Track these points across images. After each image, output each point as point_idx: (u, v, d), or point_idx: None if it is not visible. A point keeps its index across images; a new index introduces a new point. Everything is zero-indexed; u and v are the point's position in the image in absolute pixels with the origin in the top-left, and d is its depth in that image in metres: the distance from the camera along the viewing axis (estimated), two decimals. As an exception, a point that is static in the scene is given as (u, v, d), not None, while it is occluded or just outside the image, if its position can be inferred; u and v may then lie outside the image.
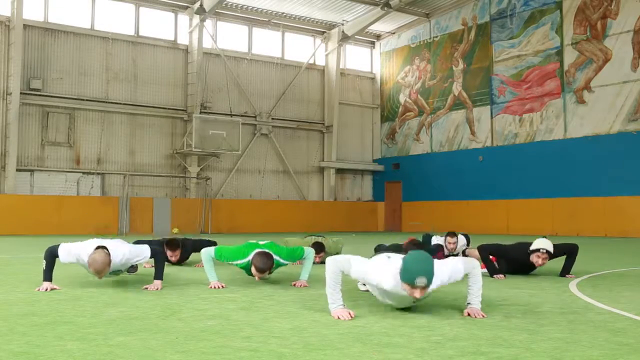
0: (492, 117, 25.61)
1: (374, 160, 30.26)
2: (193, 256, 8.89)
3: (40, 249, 12.01)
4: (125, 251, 5.78)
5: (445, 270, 4.39)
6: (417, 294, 4.13)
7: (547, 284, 6.49)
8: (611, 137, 21.80)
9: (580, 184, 22.27)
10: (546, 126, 23.75)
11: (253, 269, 5.86)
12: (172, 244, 8.10)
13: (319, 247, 8.60)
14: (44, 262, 5.76)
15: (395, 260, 4.40)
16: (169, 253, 8.17)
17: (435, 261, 4.33)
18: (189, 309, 4.65)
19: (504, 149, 25.10)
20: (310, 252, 6.32)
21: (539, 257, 6.89)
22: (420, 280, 4.07)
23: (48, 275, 5.74)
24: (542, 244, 6.90)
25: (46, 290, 5.62)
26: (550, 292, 5.77)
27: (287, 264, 6.28)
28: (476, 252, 7.88)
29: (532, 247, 6.94)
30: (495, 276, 7.01)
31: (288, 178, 27.69)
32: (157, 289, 5.75)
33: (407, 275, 4.11)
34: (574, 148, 22.68)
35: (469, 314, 4.38)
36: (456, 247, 8.85)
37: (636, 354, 3.24)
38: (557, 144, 23.29)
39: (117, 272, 6.08)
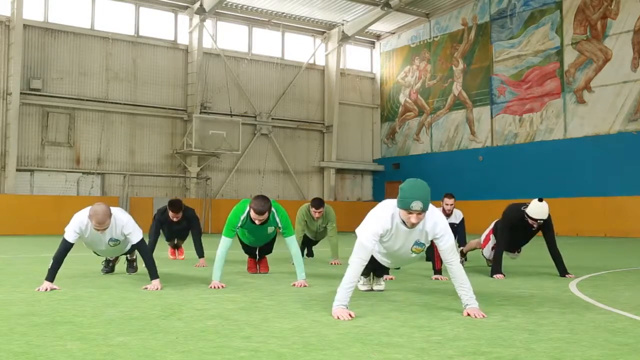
0: (492, 117, 25.61)
1: (374, 160, 30.26)
2: (192, 255, 8.90)
3: (40, 249, 12.02)
4: (123, 218, 5.98)
5: (445, 225, 4.55)
6: (414, 219, 4.35)
7: (547, 284, 6.49)
8: (611, 137, 21.80)
9: (580, 184, 22.27)
10: (546, 126, 23.76)
11: (252, 213, 6.24)
12: (175, 205, 8.22)
13: (319, 202, 8.82)
14: (51, 261, 5.79)
15: (389, 202, 4.67)
16: (171, 214, 8.24)
17: (440, 212, 4.60)
18: (189, 309, 4.65)
19: (504, 149, 25.10)
20: (294, 243, 6.42)
21: (534, 223, 6.98)
22: (416, 204, 4.29)
23: (51, 275, 5.75)
24: (539, 213, 6.90)
25: (46, 290, 5.62)
26: (550, 292, 5.77)
27: (278, 225, 6.56)
28: (474, 242, 8.00)
29: (530, 214, 6.94)
30: (495, 276, 7.02)
31: (288, 178, 27.69)
32: (157, 288, 5.75)
33: (403, 201, 4.33)
34: (574, 148, 22.68)
35: (469, 314, 4.38)
36: (452, 209, 9.24)
37: (636, 354, 3.24)
38: (557, 144, 23.29)
39: (115, 243, 6.13)
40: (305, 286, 6.08)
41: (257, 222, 6.37)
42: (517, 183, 24.18)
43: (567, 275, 7.16)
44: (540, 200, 6.93)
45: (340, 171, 29.12)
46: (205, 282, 6.17)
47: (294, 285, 6.16)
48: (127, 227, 5.99)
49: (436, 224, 4.57)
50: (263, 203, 6.26)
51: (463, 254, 8.54)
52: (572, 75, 23.06)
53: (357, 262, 4.47)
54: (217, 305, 4.87)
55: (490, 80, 25.69)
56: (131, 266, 7.29)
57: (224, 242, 6.22)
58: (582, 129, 22.69)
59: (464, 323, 4.12)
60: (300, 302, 5.06)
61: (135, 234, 6.01)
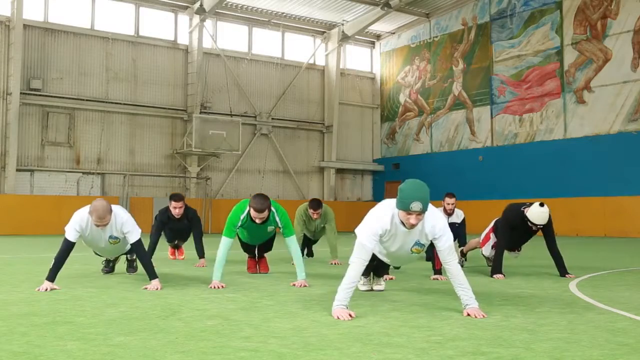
0: (492, 117, 25.61)
1: (374, 160, 30.26)
2: (192, 255, 8.90)
3: (40, 249, 12.02)
4: (123, 215, 5.99)
5: (444, 225, 4.54)
6: (413, 220, 4.35)
7: (547, 284, 6.49)
8: (611, 137, 21.80)
9: (580, 184, 22.27)
10: (546, 126, 23.76)
11: (252, 212, 6.26)
12: (177, 196, 8.34)
13: (317, 204, 8.79)
14: (53, 261, 5.80)
15: (388, 202, 4.67)
16: (172, 204, 8.26)
17: (439, 212, 4.60)
18: (189, 309, 4.65)
19: (504, 149, 25.10)
20: (294, 243, 6.41)
21: (533, 226, 7.02)
22: (415, 205, 4.29)
23: (51, 275, 5.75)
24: (540, 219, 6.90)
25: (46, 290, 5.62)
26: (550, 292, 5.77)
27: (278, 225, 6.52)
28: (474, 241, 7.99)
29: (530, 218, 6.94)
30: (495, 276, 7.02)
31: (288, 178, 27.70)
32: (157, 288, 5.75)
33: (403, 202, 4.33)
34: (574, 148, 22.68)
35: (469, 314, 4.38)
36: (454, 209, 9.22)
37: (636, 354, 3.24)
38: (557, 144, 23.29)
39: (115, 240, 6.12)
40: (305, 286, 6.08)
41: (257, 220, 6.38)
42: (517, 183, 24.19)
43: (567, 276, 7.16)
44: (542, 205, 6.92)
45: (340, 171, 29.13)
46: (205, 282, 6.17)
47: (294, 285, 6.16)
48: (127, 225, 5.99)
49: (435, 224, 4.57)
50: (262, 201, 6.29)
51: (463, 254, 8.52)
52: (572, 75, 23.06)
53: (357, 262, 4.47)
54: (217, 305, 4.87)
55: (490, 80, 25.69)
56: (131, 266, 7.29)
57: (225, 242, 6.21)
58: (582, 129, 22.69)
59: (464, 323, 4.12)
60: (300, 302, 5.06)
61: (134, 233, 6.01)
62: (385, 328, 3.92)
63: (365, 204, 29.48)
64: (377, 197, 29.84)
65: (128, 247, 6.38)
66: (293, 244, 6.41)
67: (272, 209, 6.48)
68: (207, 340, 3.52)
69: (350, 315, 4.24)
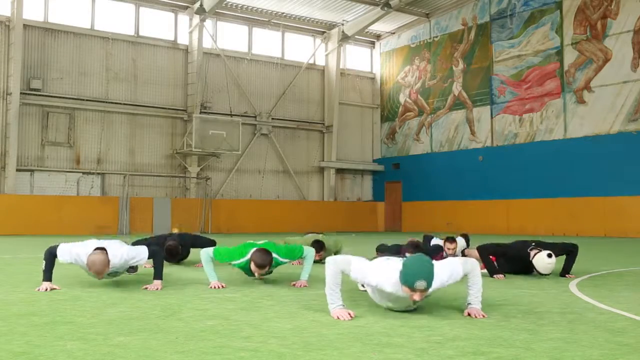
0: (492, 117, 25.61)
1: (374, 160, 30.25)
2: (193, 255, 8.89)
3: (40, 249, 12.01)
4: (123, 252, 5.78)
5: (445, 272, 4.40)
6: (417, 297, 4.15)
7: (547, 284, 6.49)
8: (611, 137, 21.80)
9: (580, 184, 22.27)
10: (546, 126, 23.75)
11: (252, 266, 5.85)
12: (172, 252, 8.11)
13: (318, 246, 8.59)
14: (43, 262, 5.76)
15: (395, 263, 4.41)
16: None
17: (435, 262, 4.34)
18: (189, 309, 4.65)
19: (504, 149, 25.10)
20: (310, 252, 6.31)
21: (536, 273, 6.98)
22: (420, 284, 4.09)
23: (47, 275, 5.74)
24: (546, 269, 6.83)
25: (46, 290, 5.61)
26: (550, 292, 5.77)
27: (286, 262, 6.29)
28: (475, 253, 7.88)
29: (536, 266, 6.88)
30: (495, 276, 7.02)
31: (288, 178, 27.69)
32: (157, 289, 5.75)
33: (407, 278, 4.11)
34: (574, 148, 22.68)
35: (469, 314, 4.38)
36: (455, 252, 8.84)
37: (636, 354, 3.24)
38: (557, 144, 23.29)
39: (115, 273, 6.06)
40: (305, 286, 6.08)
41: (256, 274, 5.97)
42: (517, 183, 24.19)
43: (567, 276, 7.17)
44: (550, 256, 6.80)
45: (340, 171, 29.12)
46: (205, 282, 6.16)
47: (294, 285, 6.16)
48: (130, 259, 5.81)
49: (441, 283, 4.37)
50: (265, 257, 5.82)
51: (463, 254, 8.54)
52: (572, 75, 23.06)
53: (331, 267, 4.42)
54: (217, 305, 4.87)
55: (490, 80, 25.69)
56: (131, 266, 7.27)
57: (210, 254, 6.04)
58: (582, 129, 22.69)
59: (464, 323, 4.12)
60: (300, 302, 5.06)
61: (142, 255, 5.86)
62: (385, 328, 3.92)
63: (365, 204, 29.51)
64: (377, 197, 29.85)
65: (127, 267, 6.21)
66: (309, 250, 6.31)
67: (274, 255, 6.01)
68: (207, 340, 3.52)
69: (350, 315, 4.24)
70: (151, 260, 6.02)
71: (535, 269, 6.91)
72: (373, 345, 3.39)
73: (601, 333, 3.77)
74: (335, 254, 8.37)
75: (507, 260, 7.25)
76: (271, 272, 6.38)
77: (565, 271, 7.23)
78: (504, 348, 3.35)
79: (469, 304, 4.47)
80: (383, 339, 3.58)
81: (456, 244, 8.80)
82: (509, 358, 3.13)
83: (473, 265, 4.55)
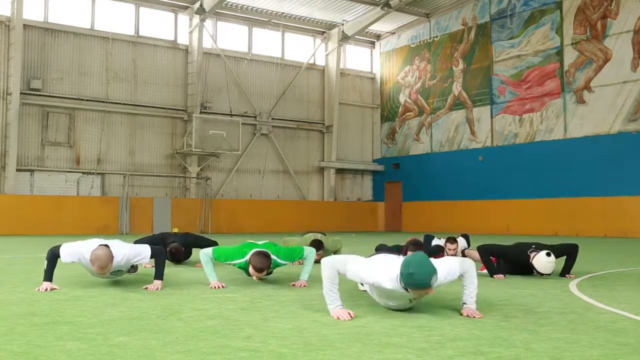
0: (492, 117, 25.61)
1: (374, 160, 30.26)
2: (193, 255, 8.89)
3: (40, 249, 12.01)
4: (126, 250, 5.78)
5: (442, 270, 4.39)
6: (417, 295, 4.16)
7: (547, 284, 6.49)
8: (611, 137, 21.80)
9: (580, 184, 22.27)
10: (546, 126, 23.75)
11: (251, 269, 5.84)
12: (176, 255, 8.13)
13: (317, 245, 8.60)
14: (45, 262, 5.76)
15: (393, 261, 4.40)
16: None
17: (432, 260, 4.32)
18: (189, 309, 4.65)
19: (504, 149, 25.10)
20: (310, 252, 6.31)
21: (537, 274, 6.97)
22: (420, 283, 4.07)
23: (48, 276, 5.74)
24: (546, 269, 6.82)
25: (46, 290, 5.62)
26: (550, 292, 5.77)
27: (285, 264, 6.29)
28: (476, 253, 7.87)
29: (536, 267, 6.87)
30: (495, 276, 7.02)
31: (288, 178, 27.69)
32: (157, 289, 5.75)
33: (407, 278, 4.09)
34: (574, 148, 22.68)
35: (467, 315, 4.38)
36: (456, 253, 8.83)
37: (636, 354, 3.24)
38: (557, 144, 23.29)
39: (118, 272, 6.06)
40: (305, 286, 6.08)
41: (254, 278, 6.00)
42: (517, 183, 24.19)
43: (567, 276, 7.17)
44: (548, 254, 6.79)
45: (340, 171, 29.12)
46: (205, 282, 6.16)
47: (294, 285, 6.16)
48: (132, 258, 5.80)
49: (439, 281, 4.30)
50: (263, 261, 5.79)
51: (463, 255, 8.54)
52: (572, 75, 23.06)
53: (327, 274, 4.41)
54: (217, 305, 4.87)
55: (490, 80, 25.69)
56: (131, 265, 7.27)
57: (209, 255, 6.03)
58: (582, 129, 22.69)
59: (464, 323, 4.12)
60: (300, 302, 5.06)
61: (144, 254, 5.86)
62: (385, 328, 3.91)
63: (366, 204, 29.51)
64: (377, 197, 29.85)
65: (129, 265, 6.21)
66: (310, 251, 6.30)
67: (273, 257, 5.97)
68: (207, 340, 3.52)
69: (350, 315, 4.24)
70: (152, 260, 6.02)
71: (536, 270, 6.90)
72: (373, 345, 3.39)
73: (601, 333, 3.77)
74: (334, 254, 8.41)
75: (507, 262, 7.25)
76: (271, 272, 6.38)
77: (565, 271, 7.23)
78: (504, 348, 3.35)
79: (464, 303, 4.47)
80: (383, 339, 3.58)
81: (457, 244, 8.80)
82: (509, 358, 3.13)
83: (470, 265, 4.56)
